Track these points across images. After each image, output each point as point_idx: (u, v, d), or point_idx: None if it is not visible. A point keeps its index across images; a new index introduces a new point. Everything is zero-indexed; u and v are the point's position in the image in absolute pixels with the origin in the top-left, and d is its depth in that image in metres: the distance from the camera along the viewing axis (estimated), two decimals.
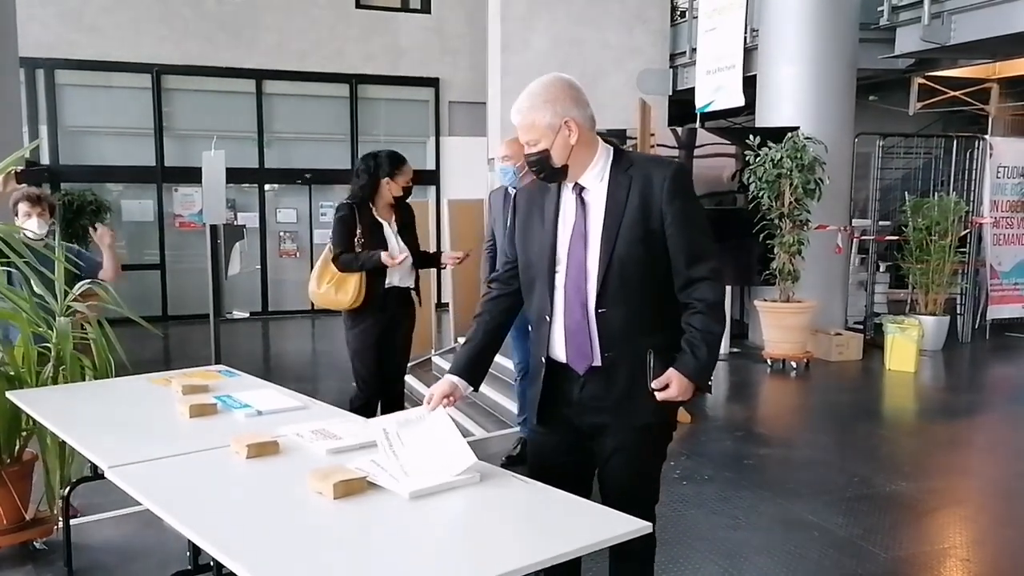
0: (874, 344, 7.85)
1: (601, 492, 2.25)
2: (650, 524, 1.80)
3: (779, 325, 7.35)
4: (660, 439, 2.30)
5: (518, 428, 4.70)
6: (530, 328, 2.33)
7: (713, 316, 2.14)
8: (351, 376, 4.35)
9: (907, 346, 7.11)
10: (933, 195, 8.40)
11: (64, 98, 10.48)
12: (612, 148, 2.22)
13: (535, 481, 2.02)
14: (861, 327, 8.46)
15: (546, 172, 2.17)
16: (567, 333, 2.18)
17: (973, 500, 4.34)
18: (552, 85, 2.14)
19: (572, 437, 2.26)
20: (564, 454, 2.27)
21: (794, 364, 7.24)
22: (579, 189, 2.19)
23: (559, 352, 2.21)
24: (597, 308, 2.13)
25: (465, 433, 5.35)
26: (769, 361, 7.38)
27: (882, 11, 8.32)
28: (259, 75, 10.99)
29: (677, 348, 2.16)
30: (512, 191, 4.28)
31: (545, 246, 2.20)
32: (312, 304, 4.43)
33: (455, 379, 2.24)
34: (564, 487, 1.97)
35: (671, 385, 2.12)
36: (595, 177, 2.18)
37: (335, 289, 4.09)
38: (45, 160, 10.10)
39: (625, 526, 1.76)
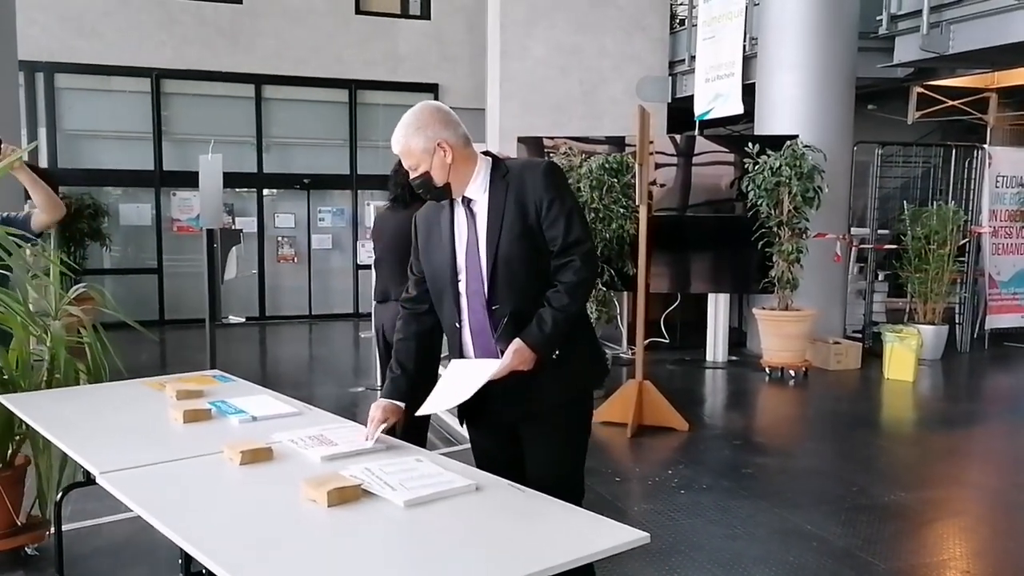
0: (873, 353, 7.84)
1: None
2: (647, 535, 1.78)
3: (777, 333, 7.34)
4: (572, 422, 2.39)
5: None
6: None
7: (569, 294, 2.25)
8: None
9: (906, 355, 7.10)
10: (932, 204, 8.41)
11: (63, 102, 10.46)
12: (491, 159, 2.37)
13: (531, 490, 2.00)
14: (860, 336, 8.45)
15: (431, 192, 2.34)
16: (472, 334, 2.36)
17: (972, 511, 4.32)
18: (421, 113, 2.31)
19: (502, 435, 2.41)
20: (500, 452, 2.41)
21: (792, 373, 7.23)
22: (467, 201, 2.35)
23: (470, 354, 2.38)
24: (490, 305, 2.30)
25: (459, 439, 5.33)
26: (767, 369, 7.36)
27: (881, 20, 8.33)
28: (258, 80, 10.98)
29: (570, 339, 2.30)
30: None
31: (446, 258, 2.37)
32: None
33: (395, 403, 2.38)
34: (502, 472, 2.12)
35: (510, 353, 2.22)
36: (479, 188, 2.34)
37: None
38: (44, 163, 10.07)
39: (622, 536, 1.74)
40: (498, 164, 2.36)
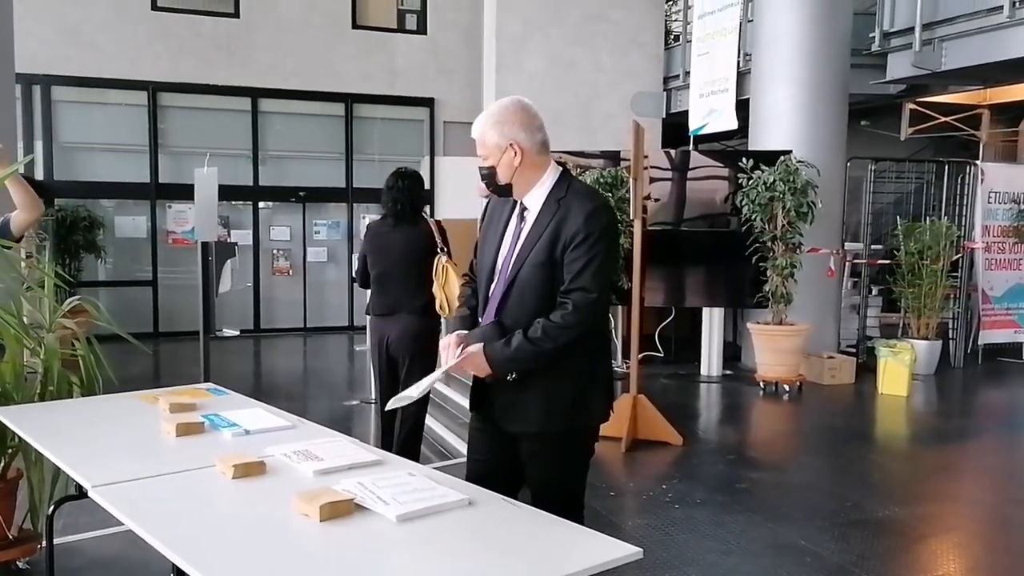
0: (866, 368, 7.85)
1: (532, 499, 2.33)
2: (640, 550, 1.78)
3: (772, 348, 7.34)
4: (570, 448, 2.40)
5: None
6: None
7: (546, 331, 2.22)
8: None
9: (899, 370, 7.11)
10: (925, 220, 8.45)
11: (60, 114, 10.48)
12: (559, 173, 2.35)
13: (525, 505, 2.00)
14: (854, 350, 8.47)
15: (493, 186, 2.35)
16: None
17: (966, 527, 4.32)
18: (506, 108, 2.31)
19: (500, 437, 2.41)
20: (495, 450, 2.43)
21: (787, 387, 7.23)
22: (522, 208, 2.36)
23: None
24: (497, 316, 2.33)
25: (454, 453, 5.32)
26: (762, 384, 7.37)
27: (874, 37, 8.41)
28: (254, 93, 11.01)
29: (557, 371, 2.29)
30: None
31: (491, 254, 2.41)
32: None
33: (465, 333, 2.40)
34: (493, 482, 2.15)
35: (468, 351, 2.26)
36: (537, 199, 2.33)
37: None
38: (40, 175, 10.07)
39: (615, 551, 1.74)
40: (562, 182, 2.33)
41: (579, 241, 2.22)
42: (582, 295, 2.23)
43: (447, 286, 4.08)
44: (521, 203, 2.35)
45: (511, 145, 2.27)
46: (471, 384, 2.44)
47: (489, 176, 2.32)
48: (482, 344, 2.26)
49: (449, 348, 2.34)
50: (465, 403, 4.66)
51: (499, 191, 2.36)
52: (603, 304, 2.34)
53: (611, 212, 2.35)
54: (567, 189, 2.31)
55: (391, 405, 2.45)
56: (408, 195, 4.24)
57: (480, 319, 2.40)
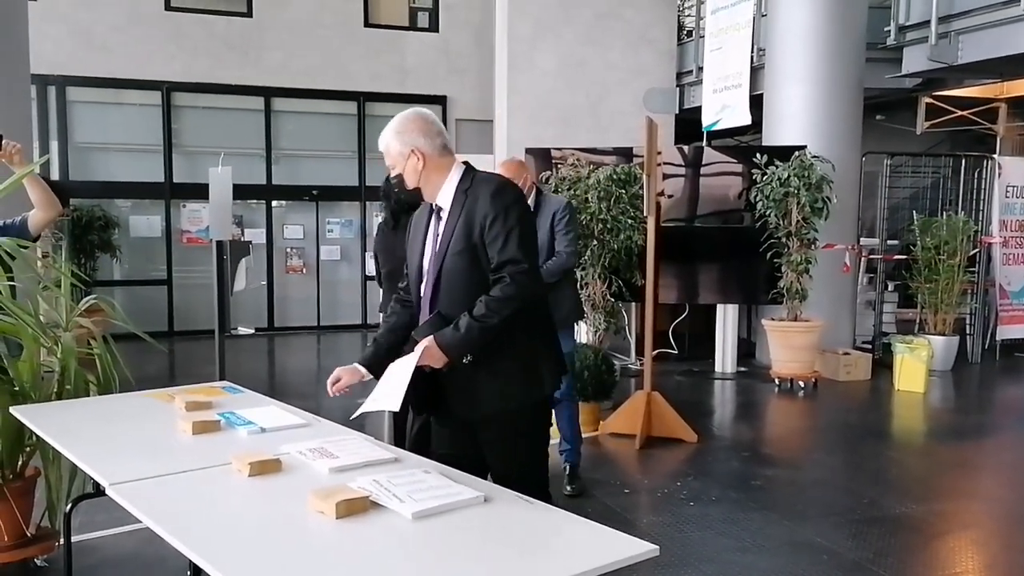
0: (883, 364, 7.80)
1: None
2: (656, 547, 1.77)
3: (786, 344, 7.31)
4: (528, 425, 2.51)
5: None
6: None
7: (488, 307, 2.32)
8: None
9: (916, 366, 7.06)
10: (941, 214, 8.38)
11: (75, 115, 10.55)
12: (463, 170, 2.48)
13: (539, 502, 2.00)
14: (869, 347, 8.41)
15: (404, 192, 2.50)
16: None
17: (984, 524, 4.28)
18: (405, 119, 2.47)
19: (460, 430, 2.54)
20: (458, 443, 2.53)
21: (802, 384, 7.19)
22: (437, 209, 2.49)
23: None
24: (431, 312, 2.44)
25: None
26: (776, 380, 7.33)
27: (889, 31, 8.33)
28: (267, 93, 11.04)
29: (504, 350, 2.39)
30: None
31: (416, 261, 2.55)
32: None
33: (358, 366, 2.60)
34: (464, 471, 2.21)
35: (420, 347, 2.33)
36: (447, 196, 2.46)
37: None
38: (55, 176, 10.15)
39: (632, 549, 1.73)
40: (467, 176, 2.47)
41: (492, 219, 2.35)
42: (513, 266, 2.33)
43: None
44: (436, 205, 2.49)
45: (413, 151, 2.42)
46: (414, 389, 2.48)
47: (398, 184, 2.48)
48: (430, 338, 2.34)
49: (339, 382, 2.56)
50: None
51: (410, 196, 2.51)
52: (536, 272, 2.45)
53: (515, 187, 2.49)
54: (472, 180, 2.45)
55: (361, 411, 2.47)
56: (404, 195, 4.15)
57: (419, 323, 2.51)
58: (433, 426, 2.65)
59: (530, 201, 4.27)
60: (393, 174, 2.49)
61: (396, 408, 2.30)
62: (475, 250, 2.38)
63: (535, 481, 2.46)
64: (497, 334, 2.35)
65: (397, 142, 2.45)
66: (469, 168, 2.50)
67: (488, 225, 2.35)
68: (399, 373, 2.37)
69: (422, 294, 2.51)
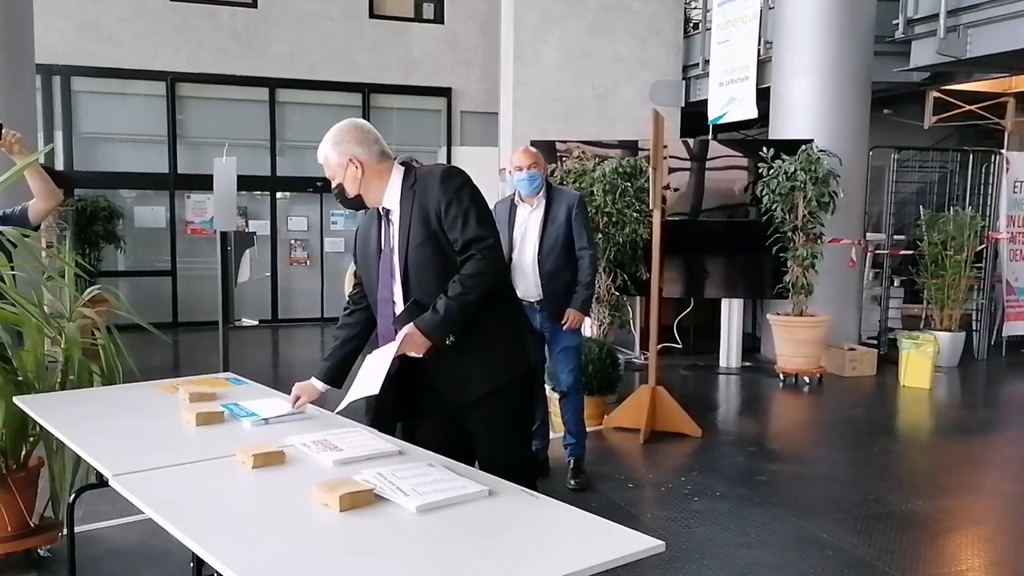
0: (888, 360, 7.77)
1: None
2: (662, 543, 1.76)
3: (792, 339, 7.28)
4: (518, 399, 2.55)
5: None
6: None
7: (463, 284, 2.35)
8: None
9: (922, 362, 7.03)
10: (948, 209, 8.34)
11: (79, 105, 10.54)
12: (404, 170, 2.51)
13: (545, 496, 1.98)
14: (875, 342, 8.38)
15: (345, 201, 2.53)
16: (381, 339, 2.53)
17: (991, 520, 4.26)
18: (339, 130, 2.50)
19: (446, 421, 2.56)
20: (446, 435, 2.53)
21: (807, 379, 7.17)
22: (385, 212, 2.52)
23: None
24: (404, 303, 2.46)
25: None
26: (782, 376, 7.31)
27: (897, 24, 8.27)
28: (272, 84, 11.02)
29: (483, 328, 2.44)
30: (518, 201, 4.28)
31: (372, 266, 2.56)
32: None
33: (315, 381, 2.68)
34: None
35: (402, 335, 2.35)
36: (393, 200, 2.49)
37: None
38: (60, 166, 10.15)
39: (637, 544, 1.71)
40: (408, 174, 2.50)
41: (447, 204, 2.37)
42: (479, 243, 2.37)
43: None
44: (383, 208, 2.51)
45: (351, 160, 2.45)
46: (400, 395, 2.56)
47: (339, 193, 2.51)
48: (411, 325, 2.36)
49: (299, 400, 2.64)
50: None
51: (351, 205, 2.53)
52: (500, 246, 2.47)
53: (459, 170, 2.50)
54: (415, 176, 2.49)
55: (344, 404, 2.51)
56: (345, 203, 4.05)
57: (379, 324, 2.56)
58: (416, 429, 2.65)
59: (541, 193, 4.26)
60: (334, 184, 2.51)
61: (376, 391, 2.33)
62: (436, 237, 2.40)
63: (521, 462, 2.54)
64: (475, 313, 2.39)
65: (335, 153, 2.47)
66: (409, 167, 2.53)
67: (444, 210, 2.38)
68: (378, 362, 2.38)
69: (384, 296, 2.53)
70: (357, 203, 2.53)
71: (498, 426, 2.53)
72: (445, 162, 12.05)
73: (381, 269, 2.52)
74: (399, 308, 2.48)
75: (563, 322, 4.24)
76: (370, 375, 2.39)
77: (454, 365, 2.46)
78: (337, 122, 2.54)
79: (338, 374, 2.71)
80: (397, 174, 2.50)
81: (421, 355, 2.39)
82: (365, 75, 11.28)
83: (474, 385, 2.48)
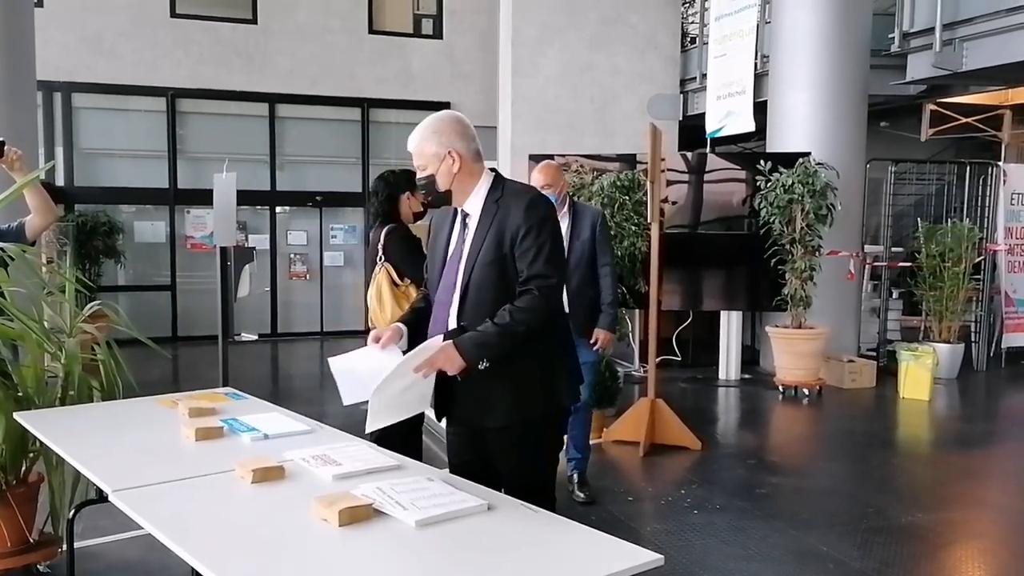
0: (887, 372, 7.77)
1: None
2: (661, 556, 1.76)
3: (791, 352, 7.28)
4: (541, 436, 2.47)
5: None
6: None
7: (512, 315, 2.30)
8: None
9: (921, 374, 7.03)
10: (946, 221, 8.36)
11: (80, 121, 10.58)
12: (493, 178, 2.46)
13: (544, 510, 1.99)
14: (874, 354, 8.38)
15: (433, 195, 2.46)
16: (430, 334, 2.44)
17: (991, 533, 4.25)
18: (440, 119, 2.43)
19: (472, 438, 2.49)
20: (472, 451, 2.50)
21: (806, 391, 7.17)
22: (464, 215, 2.46)
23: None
24: (459, 322, 2.39)
25: None
26: (781, 388, 7.31)
27: (893, 38, 8.32)
28: (272, 99, 11.07)
29: (522, 361, 2.36)
30: None
31: (438, 267, 2.51)
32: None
33: (400, 324, 2.55)
34: (475, 482, 2.18)
35: (438, 349, 2.28)
36: (476, 205, 2.43)
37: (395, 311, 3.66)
38: (60, 181, 10.18)
39: (636, 558, 1.72)
40: (496, 185, 2.44)
41: (524, 233, 2.32)
42: (541, 280, 2.32)
43: (381, 300, 3.66)
44: (462, 211, 2.46)
45: (449, 153, 2.38)
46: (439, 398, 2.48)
47: (428, 184, 2.43)
48: (449, 342, 2.29)
49: (383, 339, 2.44)
50: None
51: (438, 199, 2.46)
52: (561, 288, 2.43)
53: (547, 201, 2.45)
54: (502, 190, 2.42)
55: (371, 427, 2.32)
56: (376, 201, 3.91)
57: (430, 326, 2.47)
58: (448, 435, 2.61)
59: (564, 208, 4.27)
60: (424, 174, 2.43)
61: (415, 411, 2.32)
62: (504, 261, 2.35)
63: (543, 491, 2.44)
64: (517, 346, 2.32)
65: (433, 142, 2.39)
66: (499, 176, 2.47)
67: (520, 237, 2.32)
68: (404, 370, 2.25)
69: (442, 298, 2.46)
70: (445, 198, 2.45)
71: (519, 459, 2.45)
72: None
73: (445, 273, 2.47)
74: (452, 317, 2.41)
75: (593, 342, 4.24)
76: (398, 383, 2.27)
77: (481, 387, 2.37)
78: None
79: (418, 322, 2.58)
80: (486, 180, 2.44)
81: (454, 374, 2.31)
82: (364, 90, 11.33)
83: (495, 413, 2.40)
